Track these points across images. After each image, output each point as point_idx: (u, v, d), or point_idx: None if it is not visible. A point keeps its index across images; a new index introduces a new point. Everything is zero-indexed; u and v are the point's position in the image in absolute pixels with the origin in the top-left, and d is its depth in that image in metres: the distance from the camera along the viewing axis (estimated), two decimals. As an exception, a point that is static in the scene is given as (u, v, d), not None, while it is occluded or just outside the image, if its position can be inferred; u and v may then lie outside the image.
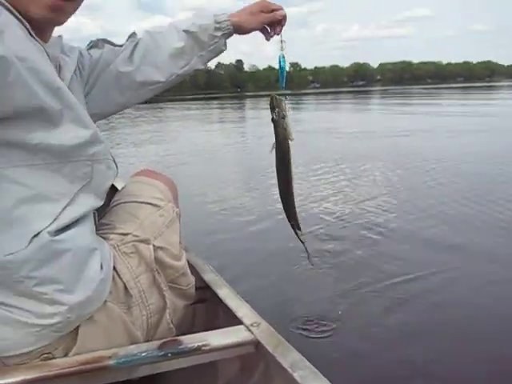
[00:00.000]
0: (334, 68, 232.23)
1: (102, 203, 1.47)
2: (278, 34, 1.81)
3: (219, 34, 1.83)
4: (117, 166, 1.54)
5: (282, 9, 1.82)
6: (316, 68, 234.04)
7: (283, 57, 1.74)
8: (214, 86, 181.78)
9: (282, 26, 1.82)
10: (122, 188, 1.85)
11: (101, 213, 1.63)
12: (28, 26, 1.29)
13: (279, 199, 1.75)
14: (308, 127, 15.04)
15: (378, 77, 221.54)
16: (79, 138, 1.32)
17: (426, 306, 3.27)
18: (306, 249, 1.83)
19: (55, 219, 1.28)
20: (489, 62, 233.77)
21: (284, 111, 1.63)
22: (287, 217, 1.76)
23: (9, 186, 1.22)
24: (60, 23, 1.44)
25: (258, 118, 23.00)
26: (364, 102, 37.54)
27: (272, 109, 1.64)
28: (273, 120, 1.63)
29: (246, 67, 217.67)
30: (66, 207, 1.31)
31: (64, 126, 1.29)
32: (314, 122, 17.45)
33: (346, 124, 16.80)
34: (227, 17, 1.85)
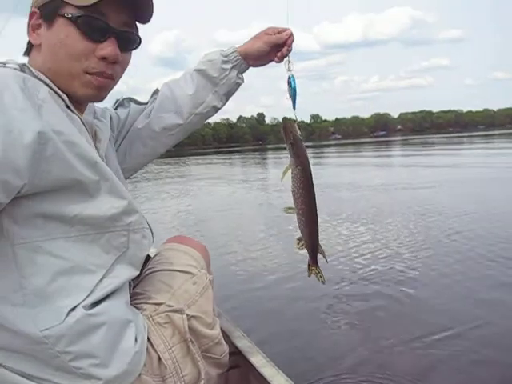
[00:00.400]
0: (355, 119, 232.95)
1: (137, 273, 1.47)
2: (285, 55, 1.76)
3: (228, 66, 1.85)
4: (153, 234, 1.54)
5: (287, 30, 1.80)
6: (337, 119, 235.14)
7: (293, 77, 1.69)
8: (235, 139, 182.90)
9: (289, 47, 1.77)
10: (155, 255, 1.83)
11: (134, 280, 1.63)
12: (66, 100, 1.33)
13: (301, 239, 1.68)
14: (328, 181, 14.99)
15: (399, 127, 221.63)
16: (115, 209, 1.34)
17: (459, 364, 3.21)
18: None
19: (91, 292, 1.27)
20: (510, 108, 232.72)
21: (299, 133, 1.59)
22: (308, 239, 1.67)
23: (46, 259, 1.22)
24: (101, 100, 1.49)
25: (279, 170, 23.00)
26: (385, 153, 37.37)
27: (286, 132, 1.60)
28: (291, 143, 1.58)
29: (268, 120, 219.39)
30: (102, 279, 1.31)
31: (101, 198, 1.31)
32: (335, 176, 17.42)
33: (366, 177, 16.67)
34: (234, 49, 1.86)
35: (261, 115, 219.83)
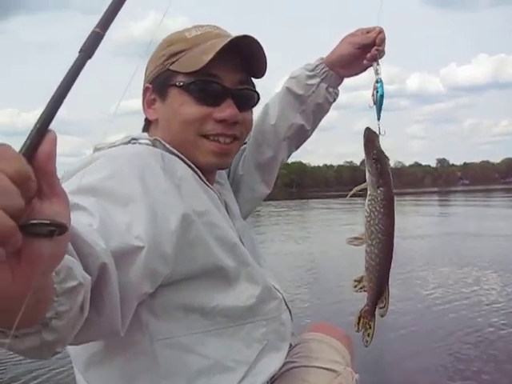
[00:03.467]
0: (485, 164, 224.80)
1: (279, 368, 1.35)
2: (375, 57, 1.55)
3: (315, 81, 1.67)
4: (291, 315, 1.46)
5: (376, 27, 1.59)
6: (465, 164, 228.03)
7: (381, 81, 1.49)
8: (359, 182, 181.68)
9: (378, 46, 1.55)
10: (295, 346, 1.60)
11: None
12: (200, 173, 1.27)
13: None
14: (454, 229, 14.21)
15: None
16: (255, 298, 1.27)
17: None
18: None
19: None
20: None
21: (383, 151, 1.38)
22: (377, 280, 1.40)
23: (186, 357, 1.15)
24: (227, 166, 1.45)
25: (401, 217, 22.30)
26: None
27: (369, 145, 1.38)
28: (374, 159, 1.37)
29: (392, 163, 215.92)
30: (243, 378, 1.22)
31: (240, 286, 1.24)
32: (461, 225, 16.51)
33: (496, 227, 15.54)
34: (320, 60, 1.68)
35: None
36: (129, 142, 1.26)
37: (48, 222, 0.53)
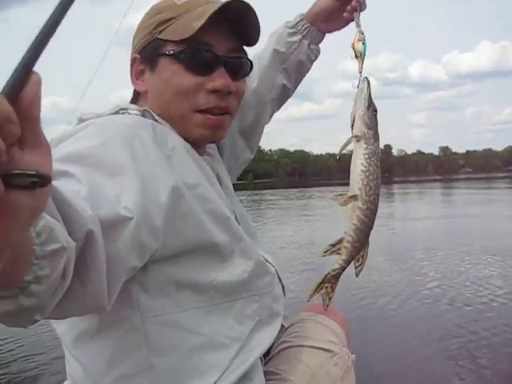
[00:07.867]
0: (487, 152, 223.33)
1: (271, 343, 1.35)
2: (356, 8, 1.51)
3: (296, 38, 1.64)
4: (284, 290, 1.43)
5: None
6: (467, 152, 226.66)
7: (362, 33, 1.46)
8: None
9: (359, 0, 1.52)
10: (290, 326, 1.60)
11: (265, 355, 1.45)
12: (189, 146, 1.23)
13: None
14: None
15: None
16: (248, 272, 1.23)
17: None
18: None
19: (226, 370, 1.16)
20: None
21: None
22: (364, 239, 1.38)
23: (179, 335, 1.12)
24: (220, 139, 1.37)
25: (404, 204, 22.22)
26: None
27: (370, 97, 1.37)
28: (376, 110, 1.38)
29: (395, 152, 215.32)
30: (236, 354, 1.19)
31: (233, 261, 1.20)
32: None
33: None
34: (300, 16, 1.65)
35: (388, 147, 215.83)
36: (117, 112, 1.21)
37: (33, 172, 0.49)
